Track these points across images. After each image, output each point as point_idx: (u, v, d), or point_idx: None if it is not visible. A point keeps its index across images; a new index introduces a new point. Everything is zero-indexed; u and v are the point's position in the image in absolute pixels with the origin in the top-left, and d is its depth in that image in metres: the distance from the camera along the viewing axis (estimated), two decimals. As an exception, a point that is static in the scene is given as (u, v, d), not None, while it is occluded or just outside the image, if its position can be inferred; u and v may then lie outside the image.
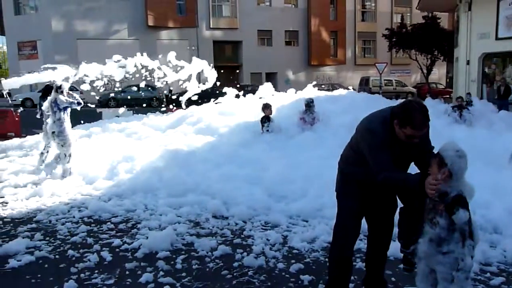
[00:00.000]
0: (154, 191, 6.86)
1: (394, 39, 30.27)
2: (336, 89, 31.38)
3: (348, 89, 19.36)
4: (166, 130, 10.62)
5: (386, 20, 42.37)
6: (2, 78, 16.05)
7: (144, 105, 14.00)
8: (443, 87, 39.25)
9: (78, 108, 8.48)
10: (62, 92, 7.97)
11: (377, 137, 3.05)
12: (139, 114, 15.95)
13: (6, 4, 33.33)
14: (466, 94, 15.64)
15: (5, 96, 14.32)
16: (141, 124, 11.70)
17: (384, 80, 32.48)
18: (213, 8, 37.01)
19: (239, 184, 6.78)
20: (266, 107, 8.86)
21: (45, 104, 8.24)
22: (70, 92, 8.40)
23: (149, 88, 25.34)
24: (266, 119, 8.78)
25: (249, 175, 7.12)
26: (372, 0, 43.36)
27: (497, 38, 17.62)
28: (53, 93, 8.03)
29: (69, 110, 8.12)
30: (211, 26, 36.86)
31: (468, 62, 18.79)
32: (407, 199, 3.18)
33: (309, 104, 9.08)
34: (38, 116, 9.82)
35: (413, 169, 3.21)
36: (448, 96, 33.82)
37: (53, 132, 7.93)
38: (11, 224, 5.57)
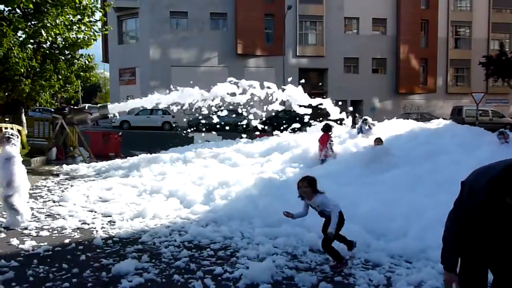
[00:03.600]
0: (250, 219, 6.95)
1: (492, 67, 28.39)
2: (427, 118, 30.09)
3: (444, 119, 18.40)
4: (258, 158, 10.80)
5: (482, 47, 40.07)
6: (108, 103, 17.52)
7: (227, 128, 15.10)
8: (547, 119, 36.01)
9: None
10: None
11: (470, 199, 2.81)
12: (228, 140, 16.48)
13: (111, 35, 36.53)
14: None
15: (110, 118, 15.55)
16: (233, 150, 12.00)
17: (480, 110, 30.53)
18: (300, 36, 37.55)
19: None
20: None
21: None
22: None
23: (234, 115, 26.10)
24: None
25: (343, 209, 6.94)
26: (466, 26, 41.33)
27: None
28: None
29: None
30: (297, 54, 37.36)
31: None
32: None
33: None
34: None
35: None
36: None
37: None
38: (120, 244, 5.91)
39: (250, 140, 15.45)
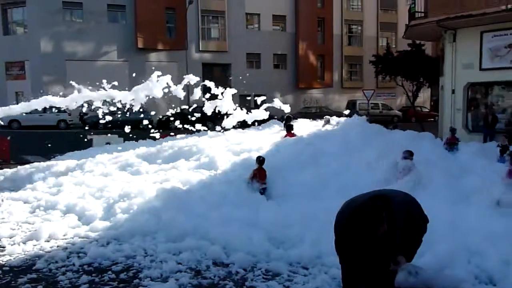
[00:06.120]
0: (153, 234, 6.88)
1: (380, 66, 30.79)
2: (325, 112, 31.81)
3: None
4: (161, 164, 10.65)
5: (372, 44, 43.19)
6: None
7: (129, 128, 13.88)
8: (428, 110, 40.03)
9: None
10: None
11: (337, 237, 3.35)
12: (131, 141, 15.99)
13: (-5, 24, 33.26)
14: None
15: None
16: (134, 156, 11.69)
17: (371, 103, 33.03)
18: (202, 31, 37.34)
19: (237, 227, 6.84)
20: None
21: None
22: None
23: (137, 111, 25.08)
24: None
25: (246, 217, 7.19)
26: (358, 24, 44.22)
27: (481, 69, 18.08)
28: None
29: None
30: (200, 49, 37.13)
31: (453, 91, 19.17)
32: None
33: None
34: None
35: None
36: (433, 119, 34.48)
37: None
38: (11, 274, 5.52)
39: (153, 140, 15.13)
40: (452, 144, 12.05)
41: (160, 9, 34.54)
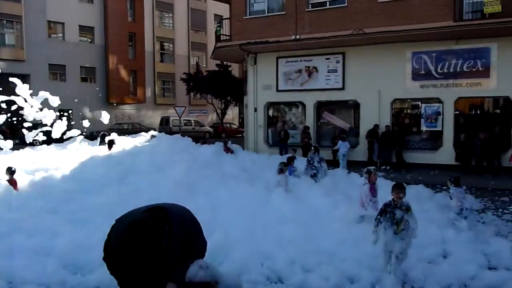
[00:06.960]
0: None
1: (192, 84, 31.93)
2: (138, 128, 31.28)
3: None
4: None
5: (184, 62, 44.43)
6: None
7: None
8: (236, 126, 42.92)
9: None
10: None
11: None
12: None
13: None
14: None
15: None
16: None
17: (184, 120, 33.82)
18: (-7, 36, 32.92)
19: (27, 257, 6.11)
20: None
21: None
22: None
23: None
24: None
25: (39, 245, 6.49)
26: (170, 42, 44.96)
27: (277, 90, 20.31)
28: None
29: None
30: (-9, 56, 32.62)
31: (255, 109, 21.05)
32: None
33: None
34: None
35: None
36: (240, 135, 37.13)
37: None
38: None
39: None
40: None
41: None
